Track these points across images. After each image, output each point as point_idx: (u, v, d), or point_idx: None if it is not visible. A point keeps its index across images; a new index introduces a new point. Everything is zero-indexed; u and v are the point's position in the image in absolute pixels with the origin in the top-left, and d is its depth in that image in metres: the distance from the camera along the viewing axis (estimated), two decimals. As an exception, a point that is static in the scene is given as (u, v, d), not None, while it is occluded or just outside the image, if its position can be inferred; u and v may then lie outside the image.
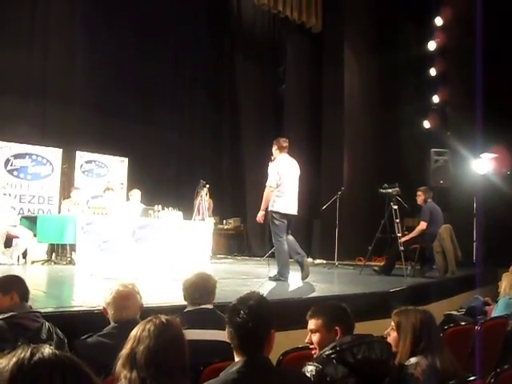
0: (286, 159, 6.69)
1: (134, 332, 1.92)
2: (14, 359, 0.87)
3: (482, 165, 10.51)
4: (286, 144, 6.71)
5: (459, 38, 10.95)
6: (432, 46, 11.81)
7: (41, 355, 0.88)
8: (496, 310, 5.00)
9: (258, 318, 2.06)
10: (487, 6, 7.73)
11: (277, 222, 6.48)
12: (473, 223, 10.52)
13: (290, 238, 6.68)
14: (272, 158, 6.77)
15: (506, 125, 9.08)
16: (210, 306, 3.13)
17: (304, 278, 6.57)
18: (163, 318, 1.96)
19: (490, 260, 8.96)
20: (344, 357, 2.35)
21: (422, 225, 7.97)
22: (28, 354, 0.88)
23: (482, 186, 10.27)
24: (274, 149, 6.72)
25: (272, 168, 6.59)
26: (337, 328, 2.53)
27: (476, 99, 8.08)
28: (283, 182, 6.51)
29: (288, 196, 6.55)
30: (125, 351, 1.87)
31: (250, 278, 7.03)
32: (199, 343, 2.51)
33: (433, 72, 11.84)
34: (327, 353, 2.40)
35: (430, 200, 8.16)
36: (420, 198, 8.18)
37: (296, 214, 6.69)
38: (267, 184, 6.55)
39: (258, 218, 6.65)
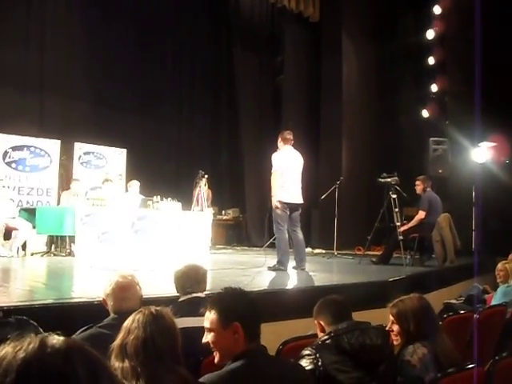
0: (289, 151, 6.81)
1: (125, 324, 1.99)
2: (22, 355, 0.78)
3: (481, 154, 10.48)
4: (290, 136, 6.85)
5: (458, 26, 10.88)
6: (430, 34, 11.73)
7: (49, 349, 0.80)
8: (495, 298, 5.03)
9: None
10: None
11: (278, 211, 6.56)
12: (471, 212, 10.52)
13: (300, 237, 6.76)
14: (277, 150, 6.88)
15: (504, 113, 9.06)
16: (201, 295, 3.17)
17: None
18: (153, 308, 2.03)
19: (488, 249, 8.97)
20: (338, 342, 2.42)
21: (421, 214, 7.98)
22: (36, 345, 0.80)
23: (480, 174, 10.24)
24: (279, 141, 6.86)
25: (275, 157, 6.69)
26: (319, 322, 2.64)
27: (475, 88, 8.04)
28: (286, 172, 6.60)
29: (291, 186, 6.64)
30: (116, 342, 1.94)
31: (249, 267, 7.03)
32: (193, 330, 2.53)
33: (431, 61, 11.77)
34: (323, 339, 2.48)
35: (428, 189, 8.16)
36: (419, 187, 8.19)
37: (300, 202, 6.77)
38: (272, 170, 6.64)
39: (273, 205, 6.60)
